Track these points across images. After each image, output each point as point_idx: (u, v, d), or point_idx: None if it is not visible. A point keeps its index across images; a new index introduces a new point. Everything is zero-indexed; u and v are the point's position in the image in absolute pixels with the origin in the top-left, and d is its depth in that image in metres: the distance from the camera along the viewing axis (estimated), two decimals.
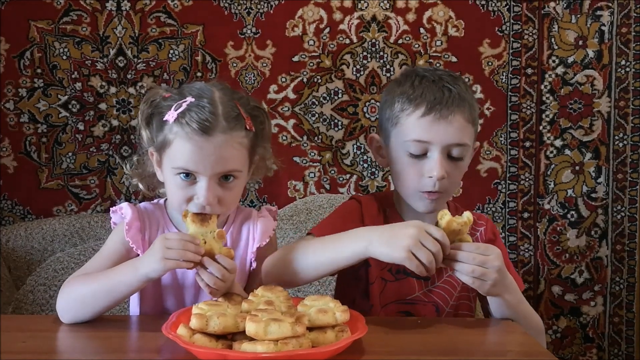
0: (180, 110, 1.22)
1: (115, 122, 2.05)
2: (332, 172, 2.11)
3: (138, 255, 1.27)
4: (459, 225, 1.16)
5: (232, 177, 1.24)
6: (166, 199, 1.36)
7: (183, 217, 1.17)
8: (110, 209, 1.34)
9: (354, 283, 1.36)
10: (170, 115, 1.22)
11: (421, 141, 1.27)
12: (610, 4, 2.07)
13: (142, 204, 1.35)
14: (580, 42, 2.09)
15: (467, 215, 1.17)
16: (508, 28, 2.08)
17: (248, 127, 1.26)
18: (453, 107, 1.27)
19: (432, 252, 1.12)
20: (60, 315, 1.20)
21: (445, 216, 1.17)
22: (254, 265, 1.32)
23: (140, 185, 1.35)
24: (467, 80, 2.08)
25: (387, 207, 1.39)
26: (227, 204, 1.25)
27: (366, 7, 2.07)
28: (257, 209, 1.40)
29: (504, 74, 2.09)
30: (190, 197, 1.22)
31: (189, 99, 1.23)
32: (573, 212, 2.13)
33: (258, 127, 1.30)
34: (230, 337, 1.04)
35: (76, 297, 1.20)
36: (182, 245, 1.12)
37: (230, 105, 1.25)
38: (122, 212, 1.31)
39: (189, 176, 1.22)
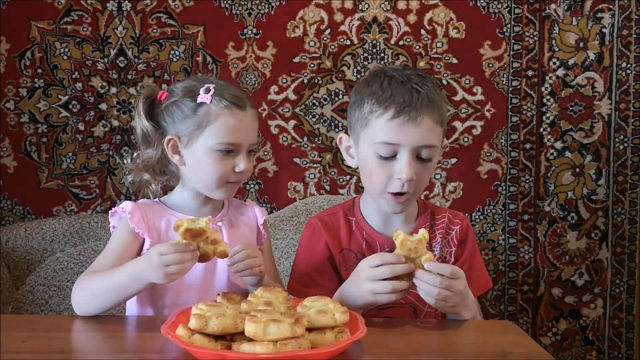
0: (211, 92, 1.34)
1: (115, 123, 2.06)
2: (333, 173, 2.11)
3: (144, 240, 1.33)
4: (414, 244, 1.19)
5: (252, 151, 1.39)
6: (158, 198, 1.43)
7: (175, 228, 1.18)
8: (109, 212, 1.39)
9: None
10: (206, 98, 1.33)
11: (390, 143, 1.29)
12: (611, 6, 2.07)
13: (140, 200, 1.42)
14: (581, 44, 2.09)
15: (422, 233, 1.20)
16: (509, 30, 2.08)
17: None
18: (422, 109, 1.29)
19: (387, 278, 1.18)
20: (75, 309, 1.26)
21: (399, 236, 1.20)
22: (265, 235, 1.47)
23: (146, 176, 1.42)
24: (467, 81, 2.08)
25: (352, 216, 1.44)
26: (250, 173, 1.41)
27: (367, 9, 2.07)
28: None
29: (505, 75, 2.09)
30: (231, 168, 1.34)
31: (211, 85, 1.35)
32: (573, 215, 2.12)
33: None
34: (229, 337, 1.04)
35: (87, 293, 1.25)
36: (180, 259, 1.15)
37: (237, 88, 1.41)
38: (123, 207, 1.36)
39: (229, 152, 1.34)
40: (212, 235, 1.18)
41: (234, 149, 1.33)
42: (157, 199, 1.43)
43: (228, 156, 1.33)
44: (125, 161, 1.48)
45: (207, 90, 1.34)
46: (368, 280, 1.20)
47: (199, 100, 1.33)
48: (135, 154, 1.43)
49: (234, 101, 1.33)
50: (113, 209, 1.38)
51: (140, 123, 1.40)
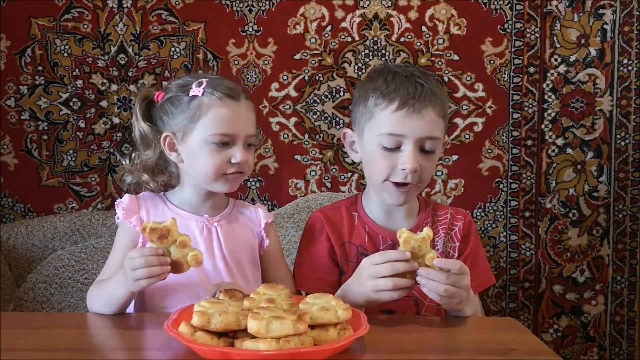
0: (203, 85, 1.34)
1: (116, 120, 2.05)
2: (334, 170, 2.10)
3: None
4: (417, 242, 1.19)
5: (251, 144, 1.38)
6: (164, 192, 1.44)
7: (142, 231, 1.18)
8: (115, 202, 1.40)
9: (333, 292, 1.37)
10: (198, 91, 1.34)
11: (395, 135, 1.32)
12: (612, 3, 2.07)
13: (142, 193, 1.43)
14: (583, 41, 2.09)
15: (426, 232, 1.20)
16: (510, 26, 2.08)
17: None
18: (425, 101, 1.32)
19: (389, 275, 1.18)
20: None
21: (403, 234, 1.20)
22: (267, 242, 1.44)
23: (145, 177, 1.42)
24: (468, 78, 2.08)
25: (355, 211, 1.45)
26: (251, 166, 1.39)
27: (368, 5, 2.07)
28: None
29: (506, 72, 2.09)
30: (227, 160, 1.33)
31: (204, 79, 1.37)
32: (574, 211, 2.12)
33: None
34: (231, 334, 1.04)
35: (96, 305, 1.28)
36: (145, 262, 1.15)
37: (231, 81, 1.40)
38: (122, 200, 1.38)
39: (224, 144, 1.33)
40: (179, 237, 1.17)
41: (229, 140, 1.33)
42: (161, 193, 1.44)
43: (223, 148, 1.33)
44: (124, 162, 1.48)
45: (200, 84, 1.35)
46: (370, 278, 1.20)
47: (191, 93, 1.35)
48: (133, 155, 1.44)
49: (226, 92, 1.33)
50: (117, 201, 1.39)
51: (138, 125, 1.41)
